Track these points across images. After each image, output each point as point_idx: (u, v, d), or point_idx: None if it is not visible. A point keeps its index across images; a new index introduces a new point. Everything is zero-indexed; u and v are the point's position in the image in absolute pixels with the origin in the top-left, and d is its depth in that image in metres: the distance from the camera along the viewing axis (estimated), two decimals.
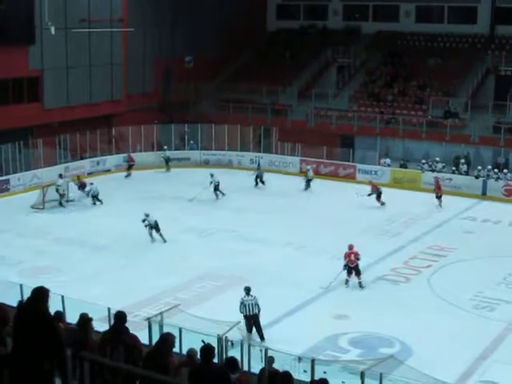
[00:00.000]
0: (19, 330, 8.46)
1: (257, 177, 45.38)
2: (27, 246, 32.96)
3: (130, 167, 48.05)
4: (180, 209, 39.12)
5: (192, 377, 9.41)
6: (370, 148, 46.85)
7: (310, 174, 44.38)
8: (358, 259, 28.11)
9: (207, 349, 10.18)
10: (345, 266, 28.20)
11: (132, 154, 48.48)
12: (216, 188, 41.84)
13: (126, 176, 47.52)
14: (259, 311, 23.08)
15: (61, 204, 39.94)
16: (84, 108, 47.74)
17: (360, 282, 28.29)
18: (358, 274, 28.22)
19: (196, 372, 9.69)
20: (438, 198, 40.06)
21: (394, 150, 47.96)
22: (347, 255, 28.21)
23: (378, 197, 39.72)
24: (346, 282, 28.30)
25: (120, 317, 11.92)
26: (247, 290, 23.33)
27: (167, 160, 49.03)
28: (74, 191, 41.14)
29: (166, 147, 49.20)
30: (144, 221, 33.62)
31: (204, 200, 40.62)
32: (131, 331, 13.30)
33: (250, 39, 57.57)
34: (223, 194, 42.02)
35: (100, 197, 39.79)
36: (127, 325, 11.84)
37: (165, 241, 33.58)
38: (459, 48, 53.48)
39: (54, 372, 8.16)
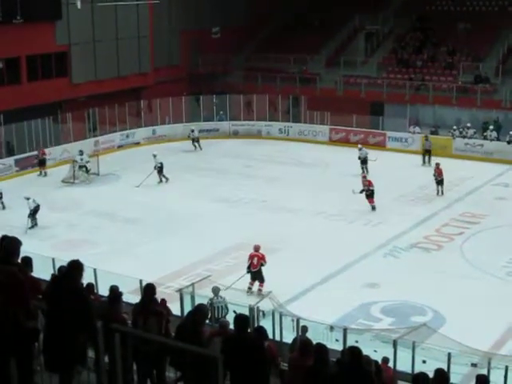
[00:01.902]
0: (53, 302, 8.54)
1: (193, 140, 46.94)
2: (59, 220, 33.22)
3: (41, 163, 41.78)
4: (210, 179, 39.18)
5: (226, 346, 9.44)
6: (400, 115, 46.57)
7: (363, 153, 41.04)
8: (261, 265, 24.64)
9: (242, 318, 10.21)
10: (247, 268, 24.92)
11: (45, 149, 42.50)
12: (160, 170, 39.30)
13: (39, 175, 41.49)
14: (227, 314, 20.29)
15: (87, 178, 40.21)
16: (112, 81, 47.80)
17: (260, 289, 24.69)
18: (262, 280, 24.74)
19: (230, 341, 9.72)
20: (439, 183, 36.57)
21: (424, 116, 47.71)
22: (250, 257, 24.94)
23: (370, 196, 34.05)
24: (249, 289, 24.73)
25: (149, 289, 12.02)
26: (215, 292, 21.13)
27: (196, 140, 47.38)
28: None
29: (193, 128, 47.81)
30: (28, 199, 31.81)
31: (230, 170, 40.70)
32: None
33: (277, 9, 57.21)
34: (167, 179, 39.20)
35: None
36: (157, 296, 11.96)
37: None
38: (489, 11, 52.89)
39: (86, 344, 8.26)
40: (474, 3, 53.69)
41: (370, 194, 33.92)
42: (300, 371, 10.12)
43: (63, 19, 45.35)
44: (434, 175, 36.60)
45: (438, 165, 36.65)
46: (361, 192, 33.87)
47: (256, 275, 24.63)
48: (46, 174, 41.28)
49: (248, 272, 24.77)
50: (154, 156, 39.39)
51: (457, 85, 47.58)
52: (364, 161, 40.48)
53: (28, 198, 31.81)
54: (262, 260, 24.57)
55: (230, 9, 54.28)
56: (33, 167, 42.13)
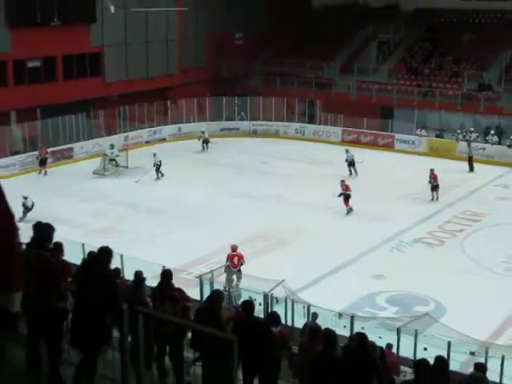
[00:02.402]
0: (83, 285, 8.55)
1: (203, 141, 45.78)
2: (90, 209, 33.32)
3: (42, 162, 40.22)
4: (231, 175, 39.14)
5: (235, 329, 9.48)
6: (408, 119, 46.42)
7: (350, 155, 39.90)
8: (241, 264, 23.72)
9: (247, 303, 10.30)
10: (227, 268, 23.78)
11: (46, 148, 40.78)
12: (157, 168, 38.92)
13: (39, 173, 39.97)
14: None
15: (117, 170, 40.29)
16: (141, 81, 47.84)
17: (237, 285, 23.49)
18: (240, 278, 23.62)
19: (239, 324, 9.77)
20: (434, 188, 34.92)
21: (430, 121, 47.47)
22: (230, 257, 23.87)
23: (346, 200, 33.01)
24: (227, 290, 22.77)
25: (166, 274, 11.99)
26: (230, 281, 21.08)
27: (205, 141, 46.07)
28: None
29: (203, 129, 46.47)
30: (23, 204, 30.49)
31: (249, 167, 40.69)
32: (185, 288, 13.42)
33: (295, 17, 57.14)
34: (162, 175, 38.77)
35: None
36: (179, 282, 11.94)
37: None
38: (493, 24, 52.59)
39: (112, 325, 8.26)
40: (479, 16, 53.37)
41: (346, 198, 32.98)
42: (309, 355, 10.11)
43: (97, 22, 45.46)
44: (430, 181, 35.07)
45: (432, 170, 35.07)
46: (339, 195, 33.07)
47: (237, 274, 23.55)
48: (46, 173, 39.74)
49: (226, 271, 23.64)
50: (154, 155, 39.08)
51: (461, 92, 47.35)
52: (351, 163, 39.58)
53: (26, 197, 30.87)
54: (241, 259, 23.74)
55: (252, 16, 54.15)
56: (66, 159, 42.34)
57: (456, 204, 34.42)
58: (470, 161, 40.94)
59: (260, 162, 42.16)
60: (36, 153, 40.39)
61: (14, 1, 40.78)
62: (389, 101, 48.85)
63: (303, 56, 53.04)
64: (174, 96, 49.67)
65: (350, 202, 32.83)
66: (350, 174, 39.00)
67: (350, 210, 32.90)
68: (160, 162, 38.88)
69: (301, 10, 58.03)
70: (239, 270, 23.64)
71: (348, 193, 32.98)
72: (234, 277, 23.34)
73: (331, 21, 56.57)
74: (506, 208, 33.99)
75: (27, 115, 41.34)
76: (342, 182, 33.54)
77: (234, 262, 23.62)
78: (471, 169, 40.80)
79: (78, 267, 9.61)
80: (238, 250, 24.05)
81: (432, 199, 34.94)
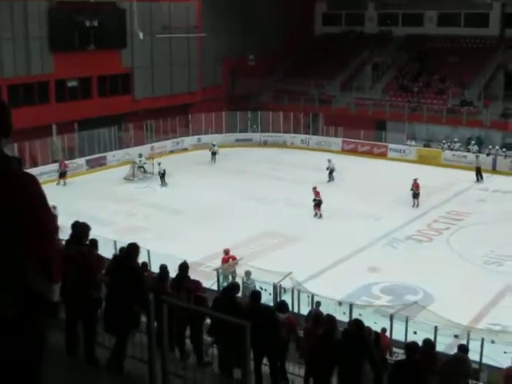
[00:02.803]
0: (114, 277, 8.55)
1: (212, 153, 44.42)
2: (120, 210, 33.37)
3: (62, 174, 38.89)
4: (243, 180, 39.06)
5: (244, 315, 9.48)
6: (400, 131, 46.32)
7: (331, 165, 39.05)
8: (236, 263, 23.03)
9: (254, 293, 10.30)
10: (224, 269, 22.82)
11: (65, 162, 39.92)
12: (162, 176, 38.43)
13: (58, 183, 38.31)
14: None
15: (145, 176, 40.12)
16: (166, 98, 47.87)
17: None
18: (234, 277, 22.00)
19: (247, 311, 9.76)
20: (415, 196, 33.84)
21: (419, 132, 47.40)
22: (224, 260, 23.20)
23: (317, 205, 32.30)
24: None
25: (183, 267, 11.92)
26: (247, 274, 20.75)
27: (214, 153, 44.42)
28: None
29: (215, 143, 45.03)
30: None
31: (260, 173, 40.64)
32: (203, 280, 13.39)
33: (300, 42, 57.16)
34: (166, 184, 38.19)
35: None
36: (198, 274, 11.88)
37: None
38: (474, 48, 52.42)
39: (140, 312, 8.25)
40: (461, 41, 53.24)
41: (316, 204, 32.19)
42: (313, 338, 10.09)
43: (128, 47, 45.72)
44: (412, 189, 33.83)
45: (415, 180, 33.92)
46: (313, 201, 32.36)
47: (232, 274, 22.31)
48: (65, 184, 38.50)
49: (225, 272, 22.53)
50: (159, 164, 38.76)
51: (446, 107, 47.22)
52: (331, 171, 38.73)
53: (54, 207, 29.91)
54: (234, 260, 23.20)
55: (263, 41, 54.08)
56: (100, 166, 42.46)
57: (442, 205, 34.29)
58: (479, 171, 39.69)
59: (271, 169, 41.98)
60: (56, 165, 39.42)
61: (56, 29, 41.18)
62: (382, 115, 48.75)
63: (308, 76, 53.03)
64: (195, 111, 49.69)
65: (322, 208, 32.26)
66: (329, 180, 38.48)
67: (316, 215, 32.04)
68: (164, 170, 38.49)
69: (305, 36, 58.30)
70: (234, 271, 22.46)
71: (318, 199, 32.07)
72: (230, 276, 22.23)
73: (332, 45, 56.71)
74: (486, 208, 33.90)
75: (66, 128, 41.54)
76: (314, 188, 32.60)
77: (231, 264, 22.83)
78: (480, 178, 39.54)
79: (110, 261, 9.61)
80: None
81: (413, 205, 33.89)
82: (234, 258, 23.47)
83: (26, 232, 3.11)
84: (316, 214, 32.25)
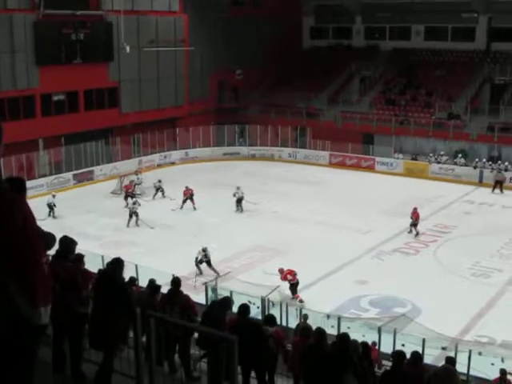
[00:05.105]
0: (99, 292, 8.53)
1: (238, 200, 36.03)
2: (107, 224, 33.27)
3: (127, 197, 36.93)
4: (231, 193, 38.94)
5: (232, 329, 9.47)
6: (387, 144, 46.50)
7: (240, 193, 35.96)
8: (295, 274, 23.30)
9: (242, 307, 10.31)
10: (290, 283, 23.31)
11: (128, 183, 38.96)
12: (157, 189, 38.81)
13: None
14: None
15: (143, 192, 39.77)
16: (153, 112, 47.89)
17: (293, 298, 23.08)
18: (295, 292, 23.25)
19: (234, 325, 9.75)
20: (413, 225, 31.62)
21: (406, 145, 47.57)
22: (284, 277, 23.29)
23: (187, 200, 34.66)
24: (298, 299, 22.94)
25: (175, 282, 11.93)
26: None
27: (240, 200, 35.81)
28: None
29: (239, 186, 36.27)
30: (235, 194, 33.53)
31: (250, 187, 40.65)
32: (192, 294, 13.36)
33: (288, 55, 57.28)
34: (164, 195, 38.59)
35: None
36: (187, 288, 11.87)
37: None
38: (460, 61, 52.67)
39: (128, 327, 8.23)
40: (448, 55, 53.56)
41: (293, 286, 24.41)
42: (300, 351, 10.09)
43: (115, 61, 45.62)
44: (412, 218, 31.56)
45: (415, 209, 31.83)
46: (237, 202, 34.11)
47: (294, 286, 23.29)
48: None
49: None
50: (159, 181, 39.05)
51: (433, 120, 47.45)
52: (239, 200, 35.68)
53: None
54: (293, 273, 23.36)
55: (250, 54, 54.18)
56: (87, 180, 42.33)
57: (429, 218, 34.37)
58: (500, 185, 40.00)
59: (259, 183, 41.73)
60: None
61: (42, 42, 41.00)
62: (370, 128, 48.93)
63: (295, 89, 53.15)
64: (182, 124, 49.73)
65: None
66: (237, 210, 35.79)
67: (298, 300, 23.30)
68: (160, 186, 38.78)
69: (293, 50, 58.36)
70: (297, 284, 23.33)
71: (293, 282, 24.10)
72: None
73: (320, 59, 56.89)
74: (472, 221, 34.03)
75: (53, 142, 41.44)
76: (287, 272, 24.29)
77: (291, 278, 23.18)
78: (501, 190, 39.79)
79: (96, 276, 9.59)
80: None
81: (409, 232, 31.68)
82: (290, 273, 23.26)
83: (9, 256, 3.03)
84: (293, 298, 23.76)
